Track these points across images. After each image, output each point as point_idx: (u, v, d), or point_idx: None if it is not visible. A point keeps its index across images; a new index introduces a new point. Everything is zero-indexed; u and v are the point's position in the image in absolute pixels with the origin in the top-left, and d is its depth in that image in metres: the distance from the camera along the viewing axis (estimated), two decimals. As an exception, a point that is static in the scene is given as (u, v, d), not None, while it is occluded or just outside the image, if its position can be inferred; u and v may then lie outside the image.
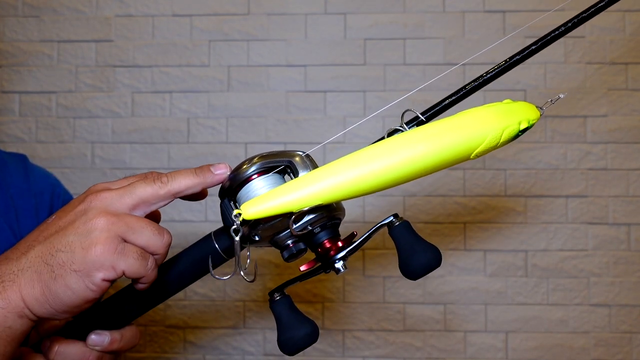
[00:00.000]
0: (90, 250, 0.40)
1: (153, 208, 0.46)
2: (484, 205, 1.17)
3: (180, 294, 1.17)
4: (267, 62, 1.19)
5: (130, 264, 0.42)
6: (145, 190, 0.45)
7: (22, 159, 0.79)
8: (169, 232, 0.46)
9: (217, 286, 1.18)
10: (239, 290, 1.18)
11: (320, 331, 1.20)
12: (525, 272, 1.16)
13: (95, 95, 1.20)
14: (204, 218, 1.18)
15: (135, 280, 0.45)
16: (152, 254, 0.45)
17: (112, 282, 0.42)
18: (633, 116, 1.16)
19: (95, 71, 1.20)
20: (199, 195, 0.50)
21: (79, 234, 0.41)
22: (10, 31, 1.21)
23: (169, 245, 0.46)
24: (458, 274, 1.16)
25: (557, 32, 0.47)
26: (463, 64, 1.15)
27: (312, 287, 1.17)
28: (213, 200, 1.26)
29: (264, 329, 1.17)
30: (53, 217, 0.45)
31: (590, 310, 1.15)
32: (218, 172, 0.48)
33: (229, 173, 0.48)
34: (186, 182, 0.46)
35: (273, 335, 1.16)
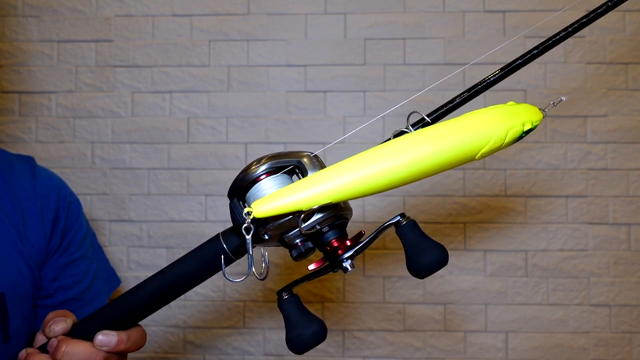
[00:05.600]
0: None
1: None
2: (484, 205, 1.17)
3: (180, 294, 1.17)
4: (267, 62, 1.19)
5: None
6: None
7: (29, 161, 0.79)
8: None
9: (217, 286, 1.18)
10: (239, 290, 1.18)
11: (320, 331, 1.20)
12: (525, 272, 1.16)
13: (95, 95, 1.20)
14: (204, 218, 1.18)
15: None
16: None
17: None
18: (633, 116, 1.16)
19: (95, 71, 1.20)
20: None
21: None
22: (10, 31, 1.21)
23: None
24: (458, 274, 1.16)
25: (564, 33, 0.48)
26: (464, 66, 1.15)
27: (312, 287, 1.16)
28: (213, 200, 1.26)
29: (264, 329, 1.17)
30: None
31: (590, 310, 1.15)
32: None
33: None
34: None
35: (273, 335, 1.17)
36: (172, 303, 1.19)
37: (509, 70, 0.48)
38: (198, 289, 1.18)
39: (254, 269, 0.45)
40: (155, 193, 1.19)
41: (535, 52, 0.48)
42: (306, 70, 1.19)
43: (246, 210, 0.43)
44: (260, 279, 0.45)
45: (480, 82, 0.48)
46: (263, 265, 0.46)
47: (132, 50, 1.20)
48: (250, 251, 0.44)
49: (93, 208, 1.19)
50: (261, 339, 1.17)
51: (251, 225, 0.43)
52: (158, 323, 1.18)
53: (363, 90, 1.18)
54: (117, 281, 0.88)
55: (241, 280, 0.46)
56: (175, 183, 1.19)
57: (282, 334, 1.18)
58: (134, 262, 1.19)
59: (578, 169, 1.16)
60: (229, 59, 1.20)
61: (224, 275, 0.47)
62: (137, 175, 1.19)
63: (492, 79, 0.48)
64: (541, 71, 1.16)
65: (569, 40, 1.16)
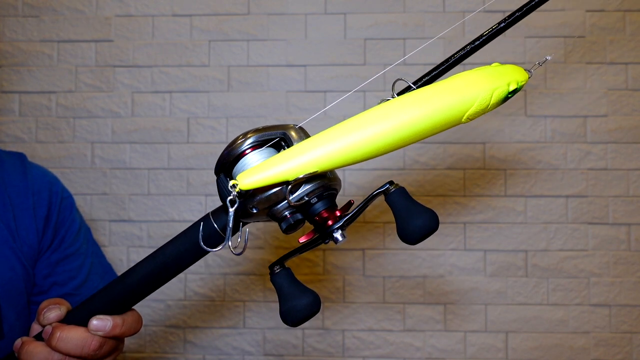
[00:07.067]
0: None
1: None
2: (484, 205, 1.17)
3: (180, 294, 1.17)
4: (267, 62, 1.19)
5: None
6: None
7: (20, 157, 0.79)
8: None
9: (217, 286, 1.18)
10: (239, 290, 1.18)
11: (320, 331, 1.21)
12: (525, 272, 1.16)
13: (95, 95, 1.20)
14: (204, 218, 1.18)
15: None
16: None
17: None
18: (633, 116, 1.16)
19: (95, 71, 1.20)
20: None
21: None
22: (10, 31, 1.21)
23: None
24: (458, 274, 1.16)
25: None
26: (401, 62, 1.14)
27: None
28: (213, 200, 1.26)
29: (264, 329, 1.17)
30: None
31: (590, 310, 1.15)
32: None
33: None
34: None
35: (273, 335, 1.16)
36: (172, 303, 1.19)
37: (492, 34, 0.48)
38: (198, 289, 1.18)
39: (230, 243, 0.44)
40: (155, 193, 1.19)
41: (518, 14, 0.49)
42: (306, 70, 1.19)
43: (231, 182, 0.42)
44: (236, 254, 0.44)
45: (465, 46, 0.48)
46: (239, 240, 0.46)
47: (132, 50, 1.20)
48: (231, 223, 0.43)
49: (93, 208, 1.19)
50: (261, 339, 1.17)
51: (236, 198, 0.43)
52: (158, 323, 1.18)
53: (363, 90, 1.18)
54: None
55: (217, 250, 0.46)
56: (175, 183, 1.19)
57: (282, 334, 1.19)
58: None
59: (578, 169, 1.16)
60: (229, 59, 1.20)
61: (201, 243, 0.47)
62: (137, 175, 1.19)
63: (476, 43, 0.48)
64: (541, 71, 1.16)
65: (569, 40, 1.16)
